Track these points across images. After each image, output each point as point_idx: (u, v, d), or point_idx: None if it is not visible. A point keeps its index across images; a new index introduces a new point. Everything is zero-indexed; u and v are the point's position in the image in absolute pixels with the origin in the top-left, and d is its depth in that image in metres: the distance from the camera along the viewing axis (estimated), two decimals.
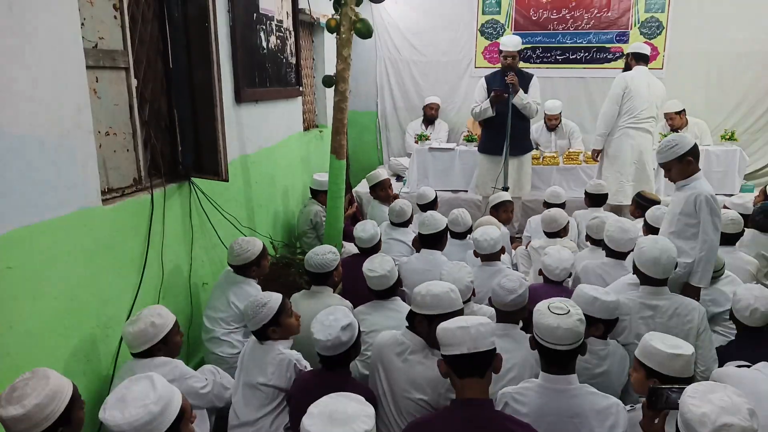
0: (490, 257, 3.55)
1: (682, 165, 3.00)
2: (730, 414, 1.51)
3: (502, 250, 3.72)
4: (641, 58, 5.30)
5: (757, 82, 6.67)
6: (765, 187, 4.69)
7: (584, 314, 2.15)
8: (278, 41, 4.67)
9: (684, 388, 1.68)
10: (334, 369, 2.33)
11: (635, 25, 6.87)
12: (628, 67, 5.38)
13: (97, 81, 2.64)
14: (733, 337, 3.05)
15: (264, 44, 4.37)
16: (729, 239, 3.66)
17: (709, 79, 6.77)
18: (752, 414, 1.53)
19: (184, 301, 3.34)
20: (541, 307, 2.12)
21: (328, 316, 2.34)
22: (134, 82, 2.86)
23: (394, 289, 3.03)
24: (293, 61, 5.05)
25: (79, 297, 2.42)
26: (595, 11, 6.92)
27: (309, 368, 2.58)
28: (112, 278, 2.65)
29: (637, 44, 5.46)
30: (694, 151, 2.98)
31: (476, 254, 3.61)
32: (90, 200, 2.46)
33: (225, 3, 3.72)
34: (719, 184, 5.85)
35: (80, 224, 2.41)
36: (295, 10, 5.01)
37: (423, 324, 2.36)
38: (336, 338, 2.24)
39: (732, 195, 5.52)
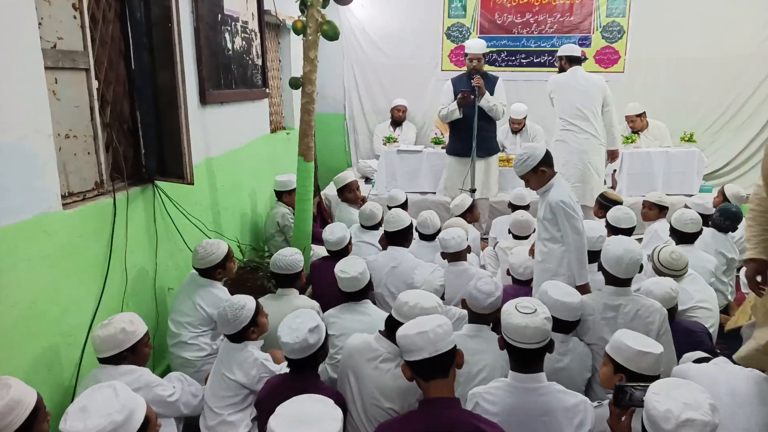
0: (456, 256, 3.58)
1: (537, 175, 3.09)
2: (692, 409, 1.57)
3: (469, 250, 3.76)
4: (574, 60, 5.33)
5: (714, 86, 6.90)
6: (723, 187, 4.84)
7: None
8: (244, 42, 4.62)
9: (647, 386, 1.73)
10: (303, 372, 2.32)
11: (597, 30, 7.03)
12: (562, 70, 5.40)
13: (56, 82, 2.57)
14: None
15: (229, 45, 4.32)
16: (689, 238, 3.78)
17: (668, 82, 6.97)
18: (714, 409, 1.59)
19: (149, 307, 3.27)
20: (508, 307, 2.15)
21: (295, 318, 2.33)
22: (95, 84, 2.79)
23: (365, 292, 3.03)
24: (259, 62, 5.01)
25: (39, 305, 2.34)
26: (558, 15, 7.05)
27: (281, 371, 2.56)
28: (73, 285, 2.57)
29: (567, 46, 5.49)
30: (546, 160, 3.08)
31: (443, 255, 3.64)
32: (49, 205, 2.39)
33: (189, 4, 3.67)
34: (679, 184, 6.02)
35: (40, 230, 2.33)
36: (261, 11, 4.97)
37: None
38: (303, 340, 2.23)
39: (692, 195, 5.69)
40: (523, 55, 7.24)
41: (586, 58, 6.75)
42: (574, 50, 5.41)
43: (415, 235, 4.29)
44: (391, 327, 2.36)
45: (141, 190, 3.18)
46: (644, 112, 6.41)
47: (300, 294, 3.32)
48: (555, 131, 5.49)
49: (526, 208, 4.81)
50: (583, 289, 3.06)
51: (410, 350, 1.93)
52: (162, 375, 2.71)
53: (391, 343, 2.35)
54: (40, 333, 2.35)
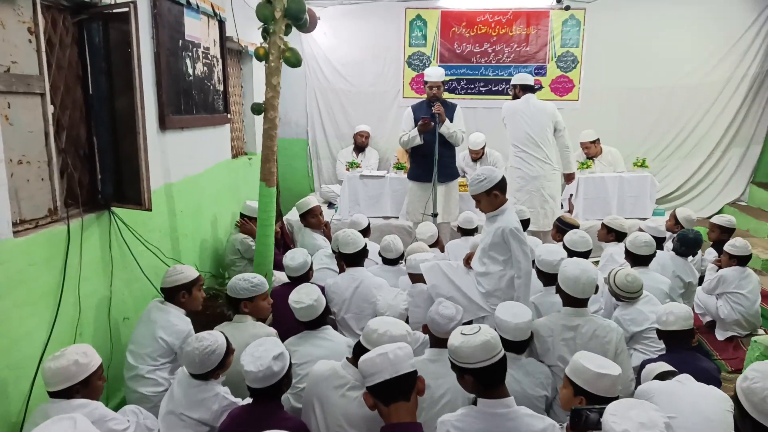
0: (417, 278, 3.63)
1: (490, 198, 3.17)
2: (648, 429, 1.63)
3: None
4: (527, 89, 5.53)
5: (664, 114, 7.22)
6: (674, 210, 5.02)
7: (504, 338, 2.27)
8: (205, 68, 4.61)
9: (602, 408, 1.79)
10: (266, 402, 2.27)
11: (552, 60, 7.28)
12: (516, 97, 5.57)
13: (9, 107, 2.51)
14: (653, 354, 3.23)
15: (190, 71, 4.31)
16: (643, 260, 3.89)
17: (620, 110, 7.25)
18: (668, 427, 1.64)
19: (103, 338, 3.16)
20: (454, 332, 2.16)
21: (258, 347, 2.29)
22: (51, 109, 2.73)
23: (324, 318, 3.00)
24: (221, 88, 5.00)
25: None
26: (515, 45, 7.29)
27: (241, 403, 2.50)
28: (24, 315, 2.48)
29: (520, 75, 5.69)
30: (500, 186, 3.17)
31: (413, 278, 3.66)
32: (0, 233, 2.31)
33: (149, 29, 3.65)
34: (633, 208, 6.22)
35: None
36: (223, 37, 4.98)
37: None
38: (267, 368, 2.19)
39: (645, 219, 5.88)
40: (482, 83, 7.43)
41: (540, 87, 7.02)
42: (527, 79, 5.61)
43: (378, 259, 4.30)
44: (358, 354, 2.32)
45: (96, 216, 3.11)
46: (598, 139, 6.63)
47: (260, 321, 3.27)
48: (509, 156, 5.63)
49: (474, 231, 4.90)
50: None
51: (371, 373, 1.94)
52: (116, 409, 2.62)
53: (357, 370, 2.33)
54: None
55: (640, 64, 7.08)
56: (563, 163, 5.60)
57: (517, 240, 3.12)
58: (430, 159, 5.33)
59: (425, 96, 5.59)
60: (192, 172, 4.43)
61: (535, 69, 7.25)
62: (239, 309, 3.19)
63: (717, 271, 4.26)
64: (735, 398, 1.81)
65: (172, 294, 3.09)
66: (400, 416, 1.92)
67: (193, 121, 4.40)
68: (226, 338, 2.59)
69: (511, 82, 5.68)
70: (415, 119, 5.46)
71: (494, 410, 2.06)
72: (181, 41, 4.13)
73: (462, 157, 6.74)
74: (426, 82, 5.49)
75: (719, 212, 6.86)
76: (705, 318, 4.29)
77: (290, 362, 2.34)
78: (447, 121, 5.37)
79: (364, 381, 1.99)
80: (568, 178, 5.73)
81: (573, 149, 5.81)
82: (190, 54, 4.29)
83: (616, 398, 2.10)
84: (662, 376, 2.57)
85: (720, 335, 4.13)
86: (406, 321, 2.98)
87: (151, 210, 3.24)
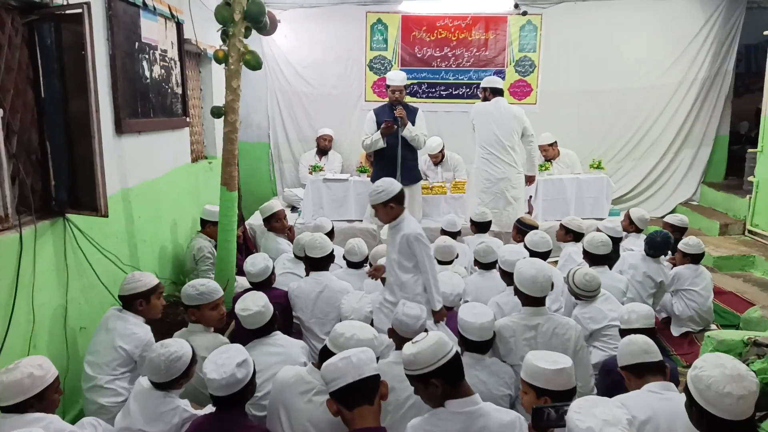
0: None
1: (386, 209, 3.30)
2: (611, 425, 1.67)
3: None
4: (497, 92, 5.64)
5: (619, 117, 7.44)
6: (628, 211, 5.17)
7: (468, 339, 2.40)
8: (163, 71, 4.52)
9: (561, 405, 1.84)
10: (230, 410, 2.23)
11: (511, 64, 7.42)
12: (485, 100, 5.67)
13: None
14: (612, 351, 3.31)
15: (147, 74, 4.21)
16: (601, 260, 3.98)
17: (577, 113, 7.44)
18: (630, 423, 1.70)
19: (59, 348, 3.06)
20: (405, 347, 2.15)
21: (222, 354, 2.26)
22: (0, 113, 2.63)
23: (273, 324, 2.97)
24: (179, 91, 4.90)
25: None
26: (475, 50, 7.39)
27: (201, 413, 2.45)
28: None
29: (490, 78, 5.82)
30: (397, 198, 3.30)
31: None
32: None
33: (104, 31, 3.56)
34: (590, 209, 6.36)
35: None
36: (181, 40, 4.89)
37: None
38: (231, 376, 2.16)
39: (602, 219, 6.03)
40: (443, 87, 7.51)
41: None
42: (496, 82, 5.71)
43: (343, 263, 4.29)
44: (325, 359, 2.31)
45: (50, 223, 3.01)
46: (556, 141, 6.77)
47: (221, 329, 3.20)
48: (475, 157, 5.70)
49: (458, 233, 4.94)
50: (439, 314, 3.27)
51: (335, 377, 1.93)
52: (74, 421, 2.54)
53: None
54: None
55: (596, 68, 7.29)
56: (528, 166, 5.72)
57: (420, 245, 3.24)
58: (394, 162, 5.36)
59: (387, 99, 5.61)
60: (150, 176, 4.33)
61: (494, 73, 7.35)
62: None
63: (671, 269, 4.40)
64: (686, 387, 1.90)
65: (130, 302, 3.01)
66: (365, 421, 1.92)
67: (151, 124, 4.31)
68: (193, 349, 2.53)
69: (481, 85, 5.77)
70: (378, 122, 5.48)
71: (463, 409, 2.07)
72: (137, 43, 4.04)
73: (423, 161, 6.78)
74: (388, 86, 5.52)
75: (672, 212, 7.10)
76: (661, 315, 4.42)
77: (254, 369, 2.31)
78: (409, 124, 5.40)
79: (327, 387, 1.97)
80: (529, 180, 5.86)
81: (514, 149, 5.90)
82: (147, 56, 4.20)
83: (574, 390, 2.18)
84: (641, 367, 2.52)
85: (675, 331, 4.26)
86: (371, 324, 2.98)
87: (107, 216, 3.15)
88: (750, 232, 6.28)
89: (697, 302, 4.17)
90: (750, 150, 6.49)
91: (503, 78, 7.35)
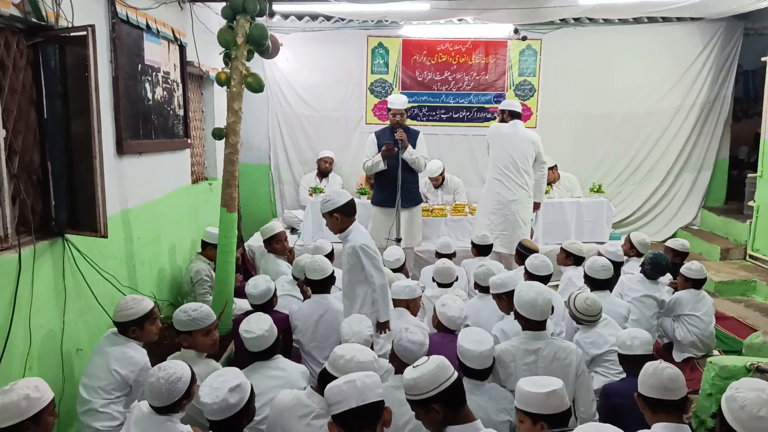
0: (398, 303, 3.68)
1: (332, 219, 3.34)
2: None
3: None
4: (515, 115, 5.67)
5: (618, 141, 7.48)
6: (629, 235, 5.16)
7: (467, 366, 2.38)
8: (165, 93, 4.55)
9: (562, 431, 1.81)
10: None
11: (510, 88, 7.48)
12: (503, 122, 5.69)
13: None
14: (613, 377, 3.27)
15: (149, 95, 4.24)
16: (602, 284, 3.96)
17: (577, 136, 7.47)
18: None
19: (55, 370, 3.03)
20: (406, 371, 2.14)
21: (218, 377, 2.24)
22: (2, 133, 2.64)
23: (276, 348, 2.94)
24: (181, 112, 4.93)
25: None
26: (475, 74, 7.46)
27: None
28: None
29: (508, 101, 5.87)
30: (343, 209, 3.32)
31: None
32: None
33: (107, 53, 3.59)
34: (590, 232, 6.36)
35: None
36: (183, 62, 4.93)
37: None
38: (223, 400, 2.13)
39: (603, 243, 6.02)
40: (443, 111, 7.56)
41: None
42: (515, 105, 5.76)
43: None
44: (324, 381, 2.28)
45: (49, 244, 3.00)
46: (556, 165, 6.79)
47: (219, 352, 3.16)
48: (487, 177, 5.69)
49: (452, 256, 4.92)
50: (383, 326, 3.33)
51: (338, 401, 1.90)
52: None
53: (323, 398, 2.27)
54: None
55: (595, 92, 7.34)
56: (535, 192, 5.69)
57: (368, 256, 3.28)
58: (394, 184, 5.36)
59: (388, 122, 5.65)
60: (150, 197, 4.33)
61: (494, 97, 7.42)
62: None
63: (672, 293, 4.37)
64: (718, 409, 1.90)
65: (124, 328, 2.96)
66: None
67: (152, 146, 4.33)
68: (192, 370, 2.49)
69: (499, 107, 5.82)
70: (379, 145, 5.50)
71: None
72: (140, 65, 4.07)
73: (424, 184, 6.80)
74: (389, 109, 5.55)
75: (673, 236, 7.08)
76: (663, 340, 4.39)
77: (251, 394, 2.27)
78: (410, 147, 5.43)
79: (329, 409, 1.94)
80: (535, 206, 5.84)
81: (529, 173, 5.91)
82: (149, 78, 4.23)
83: (569, 412, 2.16)
84: None
85: (677, 357, 4.22)
86: (371, 347, 2.95)
87: (106, 237, 3.14)
88: (751, 257, 6.27)
89: (698, 327, 4.13)
90: (750, 175, 6.51)
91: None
